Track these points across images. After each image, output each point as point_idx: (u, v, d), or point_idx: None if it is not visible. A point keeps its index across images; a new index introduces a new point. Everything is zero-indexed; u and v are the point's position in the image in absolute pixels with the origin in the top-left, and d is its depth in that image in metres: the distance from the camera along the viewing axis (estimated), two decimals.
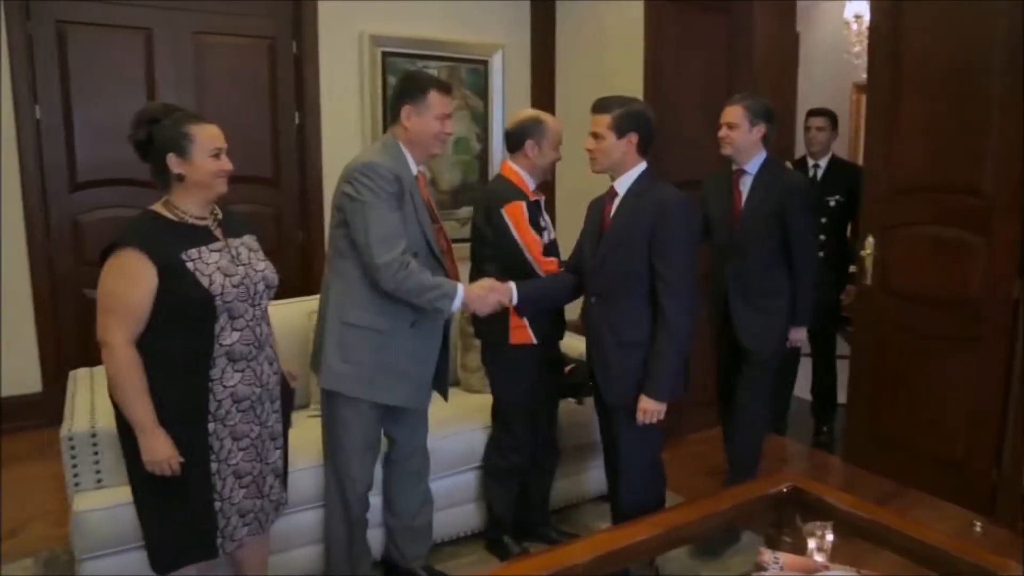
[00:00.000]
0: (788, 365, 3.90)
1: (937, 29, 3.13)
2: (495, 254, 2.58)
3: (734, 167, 2.82)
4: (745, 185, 2.79)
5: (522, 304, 2.41)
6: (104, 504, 2.27)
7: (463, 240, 2.84)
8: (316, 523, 2.56)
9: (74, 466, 2.31)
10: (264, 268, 2.05)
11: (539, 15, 4.87)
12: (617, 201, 2.35)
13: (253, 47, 4.31)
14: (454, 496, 2.83)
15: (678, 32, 3.82)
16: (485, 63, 4.77)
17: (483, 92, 4.79)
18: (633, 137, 2.30)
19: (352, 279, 2.26)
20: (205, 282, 1.87)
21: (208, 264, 1.90)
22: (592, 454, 3.12)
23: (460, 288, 2.23)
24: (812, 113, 3.92)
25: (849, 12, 5.86)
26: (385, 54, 4.45)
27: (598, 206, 2.44)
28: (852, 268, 3.68)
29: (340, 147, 4.30)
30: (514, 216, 2.53)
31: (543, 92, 4.90)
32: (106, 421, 2.33)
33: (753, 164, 2.78)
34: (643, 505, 2.35)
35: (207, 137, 1.91)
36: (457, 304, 2.22)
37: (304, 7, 4.29)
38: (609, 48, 4.22)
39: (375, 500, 2.58)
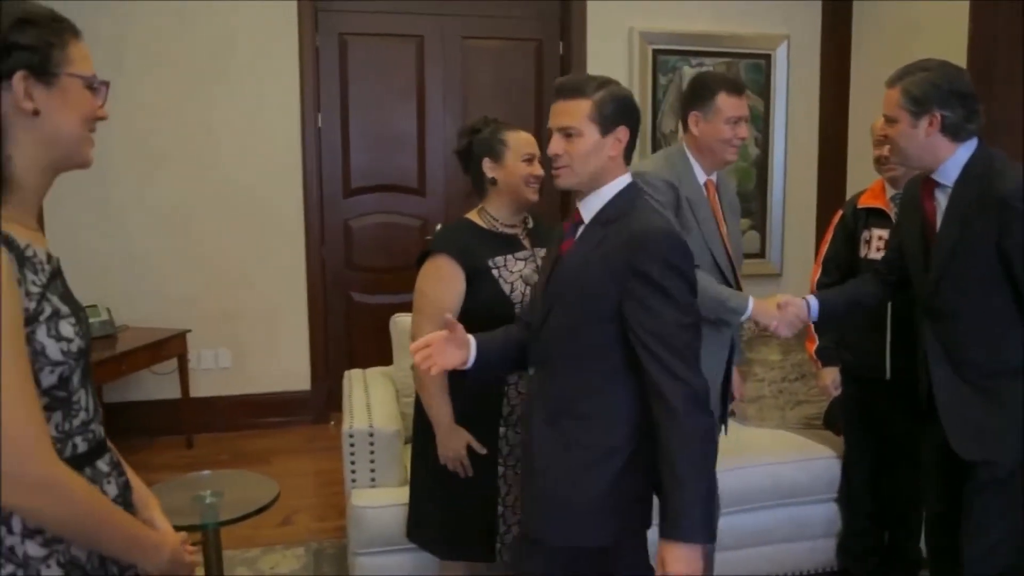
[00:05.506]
0: None
1: None
2: None
3: (924, 175, 2.12)
4: (940, 201, 2.06)
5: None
6: (378, 502, 2.57)
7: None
8: None
9: (352, 462, 2.64)
10: None
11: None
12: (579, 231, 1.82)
13: (520, 49, 4.66)
14: (729, 538, 2.69)
15: (1014, 29, 3.55)
16: (767, 57, 4.74)
17: (764, 90, 4.75)
18: (622, 133, 1.80)
19: None
20: (507, 288, 2.15)
21: (512, 272, 2.17)
22: None
23: (751, 301, 2.26)
24: None
25: None
26: (656, 52, 4.58)
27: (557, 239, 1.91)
28: None
29: None
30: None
31: (835, 89, 4.77)
32: (383, 422, 2.66)
33: (947, 170, 2.02)
34: None
35: (520, 143, 2.19)
36: (745, 318, 2.26)
37: (573, 5, 4.56)
38: (919, 42, 3.99)
39: None
